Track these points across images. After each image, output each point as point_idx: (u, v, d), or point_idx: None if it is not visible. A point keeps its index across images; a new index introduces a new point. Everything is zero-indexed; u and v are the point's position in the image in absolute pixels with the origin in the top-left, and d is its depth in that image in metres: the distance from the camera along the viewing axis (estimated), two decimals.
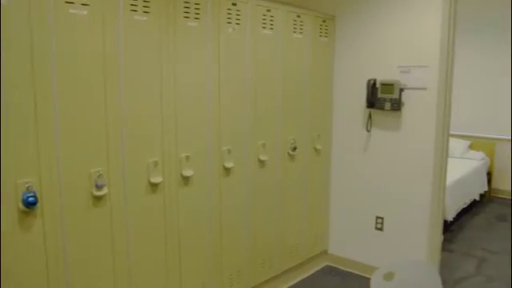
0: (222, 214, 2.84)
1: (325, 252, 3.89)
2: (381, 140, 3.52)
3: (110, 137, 2.17)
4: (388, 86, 3.35)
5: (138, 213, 2.35)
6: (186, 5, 2.45)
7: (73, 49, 1.99)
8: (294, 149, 3.32)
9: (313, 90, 3.48)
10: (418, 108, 3.31)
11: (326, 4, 3.65)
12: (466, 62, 6.28)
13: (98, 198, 2.15)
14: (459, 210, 4.93)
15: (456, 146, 6.04)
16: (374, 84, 3.41)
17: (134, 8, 2.20)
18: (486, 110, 6.24)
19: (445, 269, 3.85)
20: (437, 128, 3.24)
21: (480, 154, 6.00)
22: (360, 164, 3.66)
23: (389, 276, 1.83)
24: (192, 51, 2.52)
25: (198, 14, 2.52)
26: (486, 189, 5.87)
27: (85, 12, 2.01)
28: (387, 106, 3.37)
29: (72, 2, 1.96)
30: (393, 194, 3.51)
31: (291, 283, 3.54)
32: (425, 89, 3.26)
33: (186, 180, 2.57)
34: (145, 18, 2.26)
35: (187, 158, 2.55)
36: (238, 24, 2.78)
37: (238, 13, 2.78)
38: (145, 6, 2.25)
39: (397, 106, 3.33)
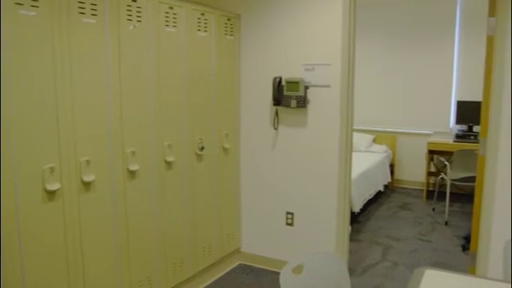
0: (128, 220, 2.73)
1: (237, 250, 3.89)
2: (288, 137, 3.58)
3: None
4: (293, 84, 3.41)
5: (33, 223, 2.18)
6: (82, 0, 2.31)
7: None
8: (202, 148, 3.27)
9: (219, 89, 3.45)
10: (323, 105, 3.40)
11: (230, 2, 3.64)
12: (370, 59, 6.61)
13: None
14: (365, 202, 5.16)
15: (361, 140, 6.33)
16: (280, 82, 3.46)
17: (19, 1, 2.03)
18: (388, 105, 6.60)
19: (354, 258, 4.01)
20: (341, 124, 3.36)
21: (383, 148, 6.33)
22: (269, 161, 3.70)
23: (298, 269, 1.86)
24: (89, 49, 2.38)
25: (94, 10, 2.39)
26: (389, 180, 6.21)
27: None
28: (293, 103, 3.43)
29: None
30: (301, 189, 3.59)
31: (204, 284, 3.50)
32: (328, 86, 3.36)
33: (87, 186, 2.43)
34: (33, 13, 2.09)
35: (87, 162, 2.41)
36: (139, 21, 2.68)
37: (139, 9, 2.67)
38: (33, 0, 2.08)
39: (302, 103, 3.40)
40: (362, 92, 6.68)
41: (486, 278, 2.18)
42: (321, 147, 3.45)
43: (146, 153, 2.81)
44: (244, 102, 3.73)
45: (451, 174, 5.11)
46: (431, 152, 5.99)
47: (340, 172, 3.41)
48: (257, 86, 3.65)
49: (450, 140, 5.87)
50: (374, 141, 6.56)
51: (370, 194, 5.35)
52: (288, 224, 3.69)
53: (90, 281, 2.51)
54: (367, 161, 5.64)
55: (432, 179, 6.33)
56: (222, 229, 3.63)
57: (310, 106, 3.45)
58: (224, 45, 3.46)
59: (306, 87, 3.40)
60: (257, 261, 3.86)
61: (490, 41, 3.01)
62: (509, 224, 3.06)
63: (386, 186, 6.15)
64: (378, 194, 5.95)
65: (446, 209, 5.16)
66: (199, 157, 3.28)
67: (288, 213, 3.68)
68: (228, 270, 3.78)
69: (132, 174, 2.72)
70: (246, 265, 3.89)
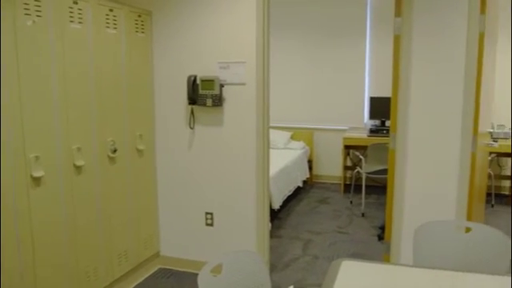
0: (33, 232, 2.53)
1: (157, 254, 3.78)
2: (205, 136, 3.53)
3: None
4: (208, 82, 3.36)
5: None
6: None
7: None
8: (115, 151, 3.12)
9: (132, 88, 3.32)
10: (239, 103, 3.38)
11: None
12: (286, 57, 6.71)
13: None
14: (285, 198, 5.23)
15: (278, 137, 6.41)
16: (195, 80, 3.39)
17: None
18: (305, 102, 6.74)
19: (275, 254, 4.04)
20: (257, 121, 3.36)
21: (301, 144, 6.46)
22: (186, 162, 3.62)
23: (216, 269, 1.82)
24: None
25: None
26: (307, 175, 6.35)
27: None
28: (209, 102, 3.38)
29: None
30: (220, 188, 3.55)
31: None
32: (244, 84, 3.35)
33: None
34: None
35: None
36: (39, 16, 2.49)
37: (38, 3, 2.49)
38: None
39: (218, 101, 3.36)
40: (279, 89, 6.78)
41: (398, 264, 2.28)
42: (238, 145, 3.43)
43: (51, 157, 2.62)
44: (159, 101, 3.62)
45: (366, 168, 5.32)
46: (347, 147, 6.21)
47: (258, 170, 3.41)
48: (171, 85, 3.56)
49: (365, 135, 6.11)
50: (292, 137, 6.67)
51: (289, 190, 5.43)
52: (208, 224, 3.64)
53: None
54: (285, 157, 5.72)
55: (349, 173, 6.56)
56: (139, 233, 3.50)
57: (226, 105, 3.42)
58: (135, 42, 3.33)
59: (222, 85, 3.37)
60: (177, 264, 3.77)
61: (397, 39, 3.15)
62: (418, 213, 3.22)
63: (304, 182, 6.29)
64: (298, 190, 6.07)
65: (363, 201, 5.36)
66: (112, 159, 3.13)
67: (207, 213, 3.62)
68: (147, 275, 3.65)
69: (36, 180, 2.53)
70: (166, 268, 3.79)
